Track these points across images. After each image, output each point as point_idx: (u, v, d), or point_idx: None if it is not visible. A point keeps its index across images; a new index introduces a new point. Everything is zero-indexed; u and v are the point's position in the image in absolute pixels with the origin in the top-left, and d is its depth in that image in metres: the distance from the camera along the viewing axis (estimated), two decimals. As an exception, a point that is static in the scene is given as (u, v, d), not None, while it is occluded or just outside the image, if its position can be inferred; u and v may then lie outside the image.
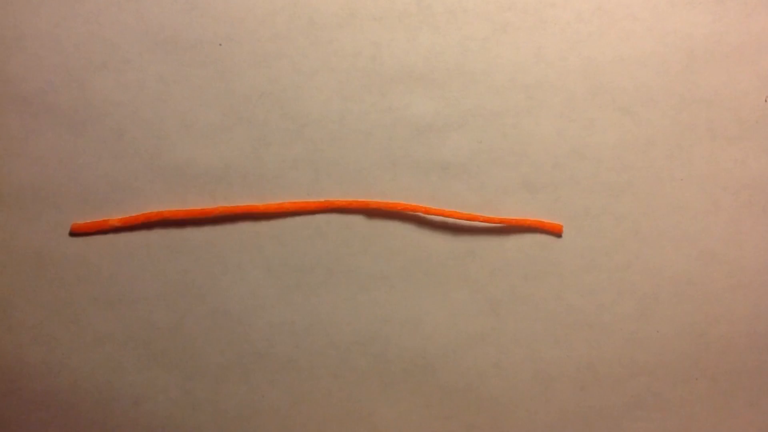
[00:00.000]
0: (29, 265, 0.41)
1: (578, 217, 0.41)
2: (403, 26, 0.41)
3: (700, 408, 0.41)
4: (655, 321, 0.41)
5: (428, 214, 0.40)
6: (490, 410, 0.41)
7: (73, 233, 0.40)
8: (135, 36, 0.41)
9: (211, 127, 0.41)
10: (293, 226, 0.41)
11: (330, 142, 0.41)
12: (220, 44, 0.41)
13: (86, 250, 0.41)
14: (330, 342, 0.41)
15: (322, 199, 0.41)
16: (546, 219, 0.41)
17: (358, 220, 0.41)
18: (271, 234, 0.41)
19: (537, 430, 0.41)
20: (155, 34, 0.41)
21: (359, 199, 0.41)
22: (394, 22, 0.41)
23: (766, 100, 0.40)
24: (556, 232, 0.40)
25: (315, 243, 0.41)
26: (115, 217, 0.41)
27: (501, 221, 0.40)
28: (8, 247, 0.41)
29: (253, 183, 0.41)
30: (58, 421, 0.41)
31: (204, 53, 0.41)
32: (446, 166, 0.41)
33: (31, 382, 0.41)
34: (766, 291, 0.41)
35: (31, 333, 0.41)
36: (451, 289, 0.41)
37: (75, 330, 0.41)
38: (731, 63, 0.41)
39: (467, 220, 0.40)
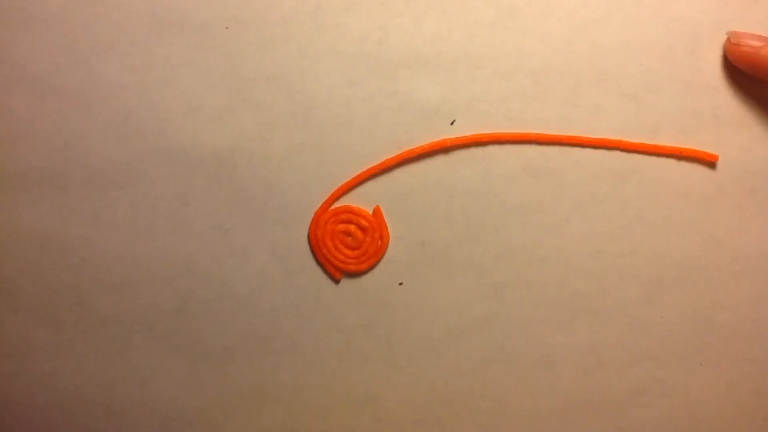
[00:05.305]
0: (34, 246, 0.41)
1: (583, 203, 0.41)
2: (409, 10, 0.41)
3: (704, 395, 0.41)
4: (660, 307, 0.41)
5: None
6: (494, 394, 0.41)
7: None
8: (142, 18, 0.41)
9: (216, 110, 0.41)
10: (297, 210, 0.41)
11: (336, 125, 0.41)
12: (227, 27, 0.41)
13: (90, 233, 0.41)
14: (335, 325, 0.41)
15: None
16: (551, 205, 0.41)
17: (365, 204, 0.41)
18: (277, 218, 0.41)
19: (540, 415, 0.41)
20: (162, 17, 0.41)
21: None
22: (401, 6, 0.41)
23: None
24: (711, 160, 0.40)
25: (320, 227, 0.41)
26: (122, 199, 0.41)
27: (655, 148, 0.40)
28: (13, 228, 0.41)
29: (258, 166, 0.41)
30: (63, 402, 0.41)
31: (211, 36, 0.41)
32: (452, 150, 0.41)
33: (36, 364, 0.41)
34: (771, 277, 0.41)
35: (37, 315, 0.41)
36: (455, 273, 0.41)
37: (80, 312, 0.41)
38: (737, 50, 0.41)
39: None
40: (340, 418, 0.41)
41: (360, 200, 0.41)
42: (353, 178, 0.41)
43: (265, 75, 0.41)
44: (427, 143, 0.41)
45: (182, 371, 0.41)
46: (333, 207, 0.41)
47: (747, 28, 0.40)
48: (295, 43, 0.41)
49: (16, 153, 0.41)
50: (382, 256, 0.41)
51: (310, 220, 0.41)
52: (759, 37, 0.39)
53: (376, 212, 0.41)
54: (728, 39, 0.40)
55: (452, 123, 0.41)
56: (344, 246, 0.41)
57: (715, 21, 0.41)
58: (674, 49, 0.41)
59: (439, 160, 0.41)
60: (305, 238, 0.41)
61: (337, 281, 0.41)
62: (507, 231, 0.41)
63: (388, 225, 0.41)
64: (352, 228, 0.41)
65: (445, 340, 0.41)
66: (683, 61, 0.41)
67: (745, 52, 0.39)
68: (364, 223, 0.41)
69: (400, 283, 0.41)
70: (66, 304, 0.41)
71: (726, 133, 0.41)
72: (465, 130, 0.41)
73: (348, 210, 0.41)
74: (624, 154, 0.41)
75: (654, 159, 0.41)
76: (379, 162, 0.41)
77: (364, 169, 0.41)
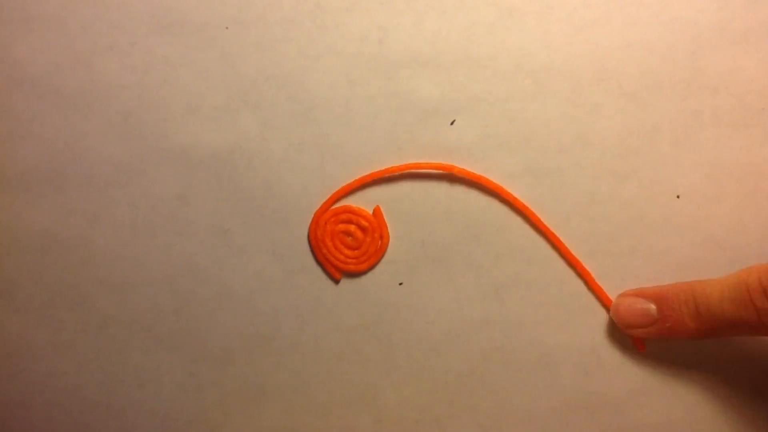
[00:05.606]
0: (34, 246, 0.41)
1: (583, 203, 0.41)
2: (409, 10, 0.41)
3: (704, 395, 0.41)
4: (659, 307, 0.41)
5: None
6: (494, 394, 0.41)
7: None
8: (141, 18, 0.41)
9: (216, 109, 0.41)
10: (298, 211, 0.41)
11: (336, 125, 0.41)
12: (227, 27, 0.41)
13: (90, 233, 0.41)
14: (335, 325, 0.41)
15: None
16: (550, 204, 0.41)
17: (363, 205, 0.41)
18: (277, 218, 0.41)
19: (540, 415, 0.41)
20: (162, 17, 0.41)
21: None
22: (401, 6, 0.41)
23: None
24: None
25: (320, 227, 0.41)
26: (122, 199, 0.41)
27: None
28: (13, 228, 0.41)
29: (258, 166, 0.41)
30: (63, 402, 0.41)
31: (210, 36, 0.41)
32: (452, 150, 0.41)
33: (36, 364, 0.41)
34: (770, 277, 0.41)
35: (37, 315, 0.41)
36: (456, 273, 0.41)
37: (80, 312, 0.41)
38: (737, 50, 0.41)
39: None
40: (340, 418, 0.41)
41: (360, 200, 0.41)
42: (355, 181, 0.41)
43: (265, 75, 0.41)
44: (434, 162, 0.41)
45: (182, 371, 0.41)
46: (333, 207, 0.41)
47: (747, 28, 0.40)
48: (295, 43, 0.41)
49: (16, 153, 0.41)
50: (382, 256, 0.41)
51: (310, 220, 0.41)
52: (641, 313, 0.38)
53: (376, 212, 0.41)
54: (616, 322, 0.40)
55: (452, 123, 0.41)
56: (344, 246, 0.41)
57: (715, 22, 0.41)
58: (674, 49, 0.41)
59: (439, 160, 0.41)
60: (305, 238, 0.41)
61: (337, 281, 0.41)
62: (507, 231, 0.41)
63: (388, 225, 0.41)
64: (352, 228, 0.41)
65: (445, 340, 0.41)
66: (683, 61, 0.41)
67: (637, 333, 0.39)
68: (364, 223, 0.41)
69: (400, 283, 0.41)
70: (66, 304, 0.41)
71: (726, 133, 0.41)
72: (465, 130, 0.41)
73: (348, 210, 0.41)
74: (624, 154, 0.41)
75: (654, 159, 0.41)
76: (381, 166, 0.41)
77: (364, 168, 0.41)
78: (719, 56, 0.41)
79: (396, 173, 0.41)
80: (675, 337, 0.38)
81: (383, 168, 0.41)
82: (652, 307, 0.38)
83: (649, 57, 0.41)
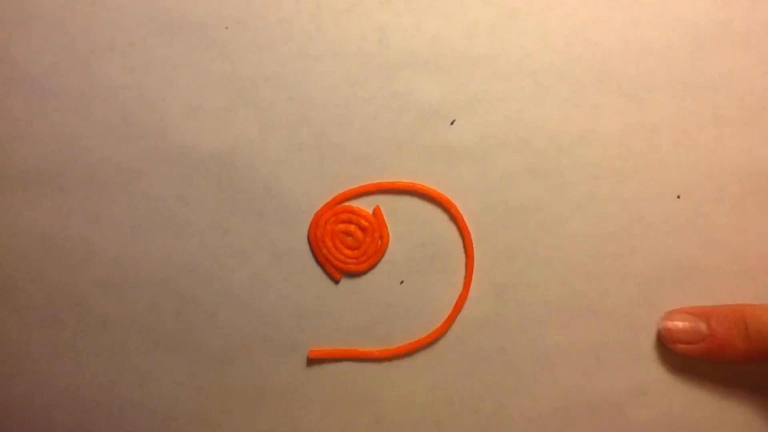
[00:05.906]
0: (34, 247, 0.41)
1: (583, 203, 0.41)
2: (409, 11, 0.41)
3: (704, 395, 0.41)
4: (659, 306, 0.41)
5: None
6: (494, 395, 0.41)
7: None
8: (141, 19, 0.41)
9: (216, 110, 0.41)
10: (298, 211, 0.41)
11: (335, 126, 0.41)
12: (227, 27, 0.41)
13: (90, 233, 0.41)
14: (334, 325, 0.41)
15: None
16: (551, 205, 0.41)
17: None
18: (276, 219, 0.41)
19: (541, 415, 0.41)
20: (161, 17, 0.41)
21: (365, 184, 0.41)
22: (401, 7, 0.41)
23: None
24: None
25: (320, 227, 0.41)
26: (122, 199, 0.41)
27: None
28: (13, 229, 0.41)
29: (258, 166, 0.41)
30: (63, 402, 0.41)
31: (210, 36, 0.41)
32: (452, 151, 0.41)
33: (36, 364, 0.41)
34: (770, 277, 0.41)
35: (37, 315, 0.41)
36: (456, 273, 0.41)
37: (80, 312, 0.41)
38: (737, 50, 0.41)
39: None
40: (340, 418, 0.41)
41: (360, 200, 0.41)
42: (360, 187, 0.41)
43: (265, 75, 0.41)
44: (402, 182, 0.41)
45: (182, 371, 0.41)
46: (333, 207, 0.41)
47: (747, 28, 0.40)
48: (294, 43, 0.41)
49: (16, 153, 0.41)
50: (382, 256, 0.41)
51: (310, 220, 0.41)
52: (691, 330, 0.38)
53: (376, 212, 0.41)
54: (664, 336, 0.40)
55: (452, 123, 0.41)
56: (344, 246, 0.41)
57: (715, 22, 0.41)
58: (674, 49, 0.41)
59: (439, 160, 0.41)
60: (305, 238, 0.41)
61: (337, 281, 0.41)
62: (507, 231, 0.41)
63: (388, 225, 0.41)
64: (352, 228, 0.41)
65: (445, 339, 0.41)
66: (683, 61, 0.41)
67: (683, 350, 0.39)
68: (364, 223, 0.41)
69: (402, 282, 0.41)
70: (66, 304, 0.41)
71: (726, 133, 0.41)
72: (465, 130, 0.41)
73: (348, 210, 0.41)
74: (624, 154, 0.41)
75: (654, 159, 0.41)
76: (381, 166, 0.41)
77: (364, 168, 0.41)
78: (719, 56, 0.41)
79: (405, 188, 0.41)
80: (722, 358, 0.38)
81: (386, 172, 0.41)
82: (703, 324, 0.38)
83: (649, 57, 0.41)
